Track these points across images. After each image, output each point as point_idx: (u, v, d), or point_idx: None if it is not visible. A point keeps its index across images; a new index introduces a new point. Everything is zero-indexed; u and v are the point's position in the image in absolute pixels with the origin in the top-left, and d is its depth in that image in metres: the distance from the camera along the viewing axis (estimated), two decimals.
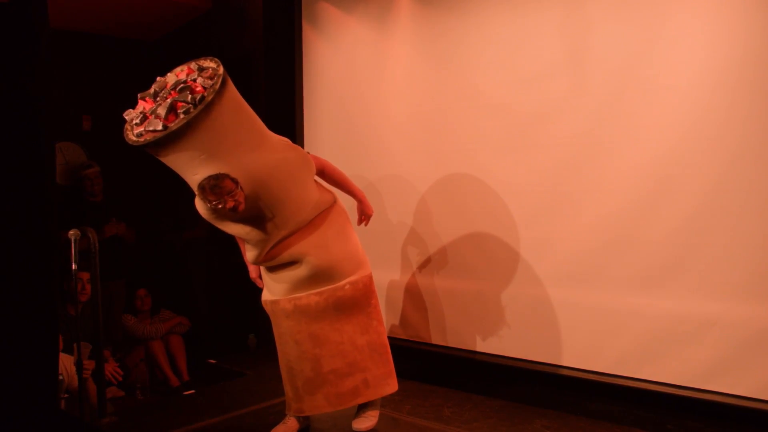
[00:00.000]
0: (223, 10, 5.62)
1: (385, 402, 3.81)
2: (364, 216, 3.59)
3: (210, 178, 2.86)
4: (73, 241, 3.74)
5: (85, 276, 4.38)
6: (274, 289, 3.37)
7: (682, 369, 3.40)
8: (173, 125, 2.75)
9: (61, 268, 4.15)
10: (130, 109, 2.97)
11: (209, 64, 2.94)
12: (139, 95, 2.97)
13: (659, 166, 3.43)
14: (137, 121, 2.89)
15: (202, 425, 3.67)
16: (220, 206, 2.91)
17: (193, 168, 2.92)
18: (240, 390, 4.28)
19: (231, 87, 2.89)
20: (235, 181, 2.89)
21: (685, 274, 3.39)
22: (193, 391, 4.78)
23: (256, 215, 3.10)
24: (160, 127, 2.78)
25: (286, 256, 3.24)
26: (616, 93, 3.56)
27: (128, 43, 6.22)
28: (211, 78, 2.84)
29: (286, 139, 3.25)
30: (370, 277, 3.42)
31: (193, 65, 2.96)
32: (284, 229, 3.18)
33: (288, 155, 3.12)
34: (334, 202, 3.40)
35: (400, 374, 3.64)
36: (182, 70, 2.96)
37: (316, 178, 3.34)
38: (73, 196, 5.41)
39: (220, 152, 2.87)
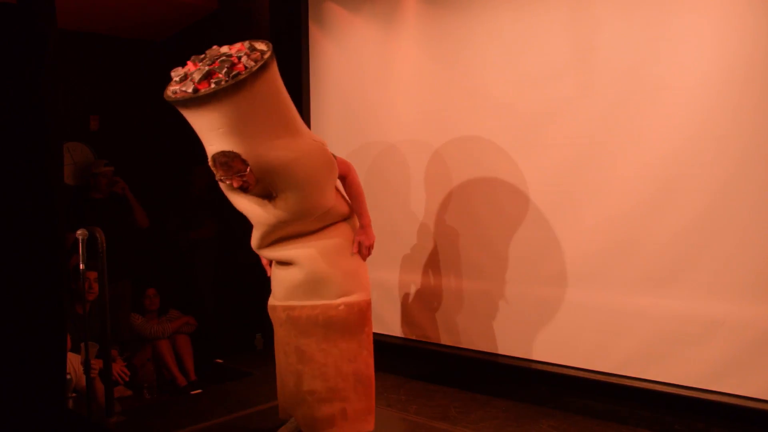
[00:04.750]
0: (229, 11, 5.63)
1: (392, 402, 3.81)
2: (363, 246, 3.31)
3: (222, 153, 2.88)
4: (80, 241, 3.75)
5: (92, 275, 4.39)
6: (275, 292, 3.35)
7: (689, 369, 3.39)
8: (202, 92, 2.80)
9: (72, 267, 4.16)
10: (179, 67, 3.02)
11: (261, 46, 2.97)
12: (192, 57, 3.02)
13: (667, 166, 3.42)
14: (177, 79, 2.96)
15: (208, 425, 3.68)
16: (227, 182, 2.95)
17: (210, 138, 2.95)
18: (247, 389, 4.30)
19: (270, 74, 2.89)
20: (245, 164, 2.90)
21: (692, 274, 3.38)
22: (200, 391, 4.80)
23: (264, 203, 3.10)
24: (190, 90, 2.83)
25: (284, 254, 3.24)
26: (623, 93, 3.56)
27: (135, 43, 6.23)
28: (255, 61, 2.86)
29: (321, 141, 3.20)
30: (368, 304, 3.27)
31: (246, 43, 2.99)
32: (289, 227, 3.16)
33: (312, 155, 3.06)
34: (349, 216, 3.33)
35: (407, 374, 3.64)
36: (235, 45, 3.00)
37: (340, 189, 3.29)
38: (81, 196, 5.42)
39: (239, 132, 2.88)
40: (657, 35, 3.44)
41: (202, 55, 2.99)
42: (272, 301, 3.37)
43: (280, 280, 3.30)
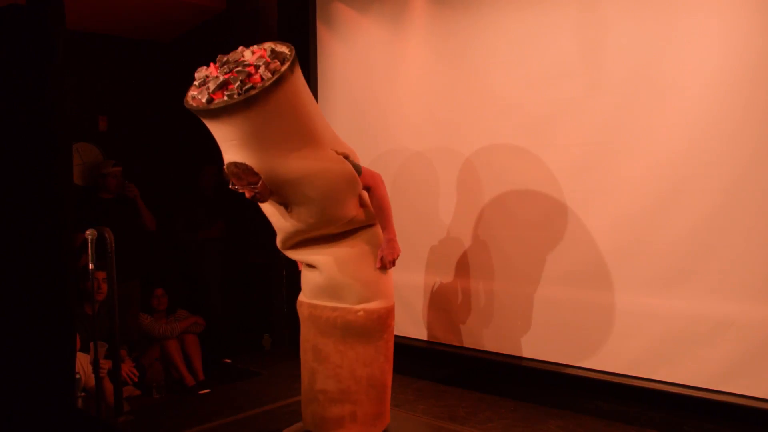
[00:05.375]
0: (237, 11, 5.64)
1: (400, 402, 3.81)
2: (386, 260, 3.19)
3: (235, 164, 2.86)
4: (90, 241, 3.76)
5: (101, 275, 4.41)
6: (303, 289, 3.36)
7: (699, 370, 3.38)
8: (213, 104, 2.76)
9: (81, 267, 4.18)
10: (204, 67, 2.96)
11: (283, 49, 2.89)
12: (218, 57, 2.95)
13: (675, 166, 3.41)
14: (197, 83, 2.91)
15: (216, 424, 3.69)
16: (239, 192, 2.93)
17: (224, 148, 2.94)
18: (255, 389, 4.31)
19: (288, 86, 2.79)
20: (257, 176, 2.88)
21: (702, 274, 3.36)
22: (208, 391, 4.81)
23: (284, 210, 3.10)
24: (204, 100, 2.79)
25: (307, 257, 3.25)
26: (631, 93, 3.54)
27: (143, 44, 6.25)
28: (273, 72, 2.77)
29: (347, 151, 3.14)
30: (389, 311, 3.21)
31: (267, 46, 2.91)
32: (308, 234, 3.16)
33: (329, 170, 2.98)
34: (373, 225, 3.26)
35: (415, 374, 3.62)
36: (258, 51, 2.90)
37: (365, 196, 3.23)
38: (90, 196, 5.44)
39: (251, 146, 2.84)
40: (665, 35, 3.42)
41: (226, 57, 2.92)
42: (300, 297, 3.38)
43: (308, 279, 3.31)
